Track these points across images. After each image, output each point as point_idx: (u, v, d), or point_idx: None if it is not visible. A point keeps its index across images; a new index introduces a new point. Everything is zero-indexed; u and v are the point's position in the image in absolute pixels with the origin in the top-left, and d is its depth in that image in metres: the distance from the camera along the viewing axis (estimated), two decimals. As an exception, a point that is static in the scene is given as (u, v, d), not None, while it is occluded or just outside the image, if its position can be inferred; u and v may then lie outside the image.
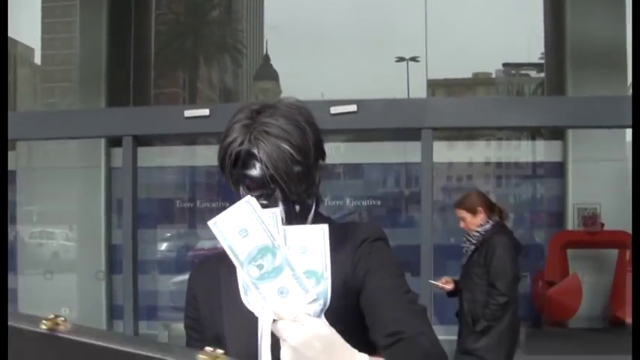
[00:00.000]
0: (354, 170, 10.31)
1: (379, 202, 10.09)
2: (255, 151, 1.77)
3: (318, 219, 1.87)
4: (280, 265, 1.31)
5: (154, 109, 8.76)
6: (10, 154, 9.50)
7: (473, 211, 5.36)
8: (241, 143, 1.79)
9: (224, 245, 1.43)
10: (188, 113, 6.86)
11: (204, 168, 10.01)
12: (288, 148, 1.77)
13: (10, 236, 10.47)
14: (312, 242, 1.54)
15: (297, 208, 1.81)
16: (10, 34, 11.50)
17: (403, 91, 12.38)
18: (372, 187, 10.18)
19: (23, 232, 10.32)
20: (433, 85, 13.71)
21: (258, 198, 1.70)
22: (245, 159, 1.79)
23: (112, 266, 9.81)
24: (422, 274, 6.75)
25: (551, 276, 9.23)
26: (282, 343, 1.29)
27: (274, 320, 1.31)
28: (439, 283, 5.66)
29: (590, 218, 9.21)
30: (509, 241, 5.28)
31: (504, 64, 14.19)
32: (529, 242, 10.06)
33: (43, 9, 12.09)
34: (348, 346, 1.38)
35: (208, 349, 1.35)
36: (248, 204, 1.48)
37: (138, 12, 10.43)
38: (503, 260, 5.16)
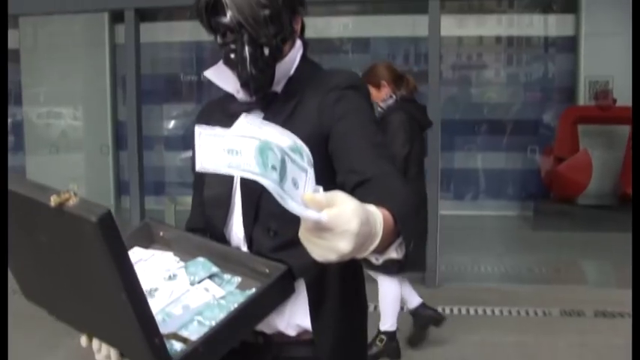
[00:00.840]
0: (362, 44, 10.15)
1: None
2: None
3: (306, 64, 1.93)
4: (281, 157, 1.22)
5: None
6: (13, 33, 9.40)
7: (377, 85, 4.80)
8: None
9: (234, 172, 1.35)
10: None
11: (210, 43, 9.85)
12: None
13: (18, 117, 10.46)
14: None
15: (267, 51, 1.82)
16: None
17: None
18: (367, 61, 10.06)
19: (31, 113, 10.27)
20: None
21: (231, 44, 1.82)
22: (214, 6, 1.82)
23: (119, 143, 9.80)
24: (429, 148, 6.73)
25: (560, 152, 9.16)
26: (334, 237, 1.17)
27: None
28: None
29: (602, 93, 9.06)
30: (405, 118, 4.78)
31: None
32: (539, 118, 9.97)
33: None
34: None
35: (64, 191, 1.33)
36: (204, 135, 1.38)
37: None
38: (393, 139, 4.69)
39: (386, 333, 4.73)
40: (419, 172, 4.77)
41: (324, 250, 1.18)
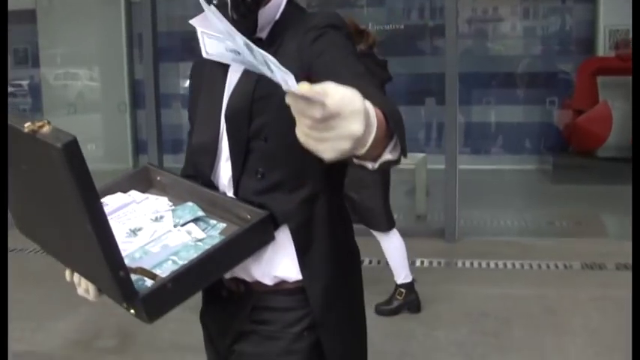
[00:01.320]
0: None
1: (402, 28, 9.89)
2: None
3: (292, 9, 1.90)
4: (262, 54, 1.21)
5: None
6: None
7: None
8: None
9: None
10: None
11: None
12: None
13: (35, 78, 10.48)
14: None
15: None
16: None
17: None
18: (396, 16, 9.94)
19: (48, 74, 10.27)
20: None
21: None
22: None
23: (136, 101, 9.80)
24: (447, 103, 6.70)
25: (580, 104, 9.08)
26: (342, 121, 1.10)
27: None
28: None
29: (623, 42, 8.94)
30: None
31: None
32: (558, 70, 9.87)
33: None
34: None
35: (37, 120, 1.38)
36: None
37: None
38: None
39: (403, 285, 4.76)
40: None
41: (336, 140, 1.10)
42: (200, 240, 1.75)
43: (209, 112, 1.93)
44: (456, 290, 5.13)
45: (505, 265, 5.70)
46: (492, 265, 5.71)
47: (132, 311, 1.56)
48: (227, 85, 1.89)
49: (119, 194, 1.94)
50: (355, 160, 1.31)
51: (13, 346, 4.42)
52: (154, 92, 6.88)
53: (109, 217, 1.74)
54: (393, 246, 4.72)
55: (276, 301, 1.85)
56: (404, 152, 1.37)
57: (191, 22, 1.91)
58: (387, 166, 1.37)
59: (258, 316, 1.86)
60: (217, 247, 1.69)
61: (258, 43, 1.77)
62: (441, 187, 6.55)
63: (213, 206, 1.84)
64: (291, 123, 1.46)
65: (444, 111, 6.82)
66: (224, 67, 1.89)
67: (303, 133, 1.11)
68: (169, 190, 1.98)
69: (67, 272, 1.77)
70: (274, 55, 1.61)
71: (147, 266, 1.66)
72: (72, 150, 1.29)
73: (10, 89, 10.84)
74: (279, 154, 1.80)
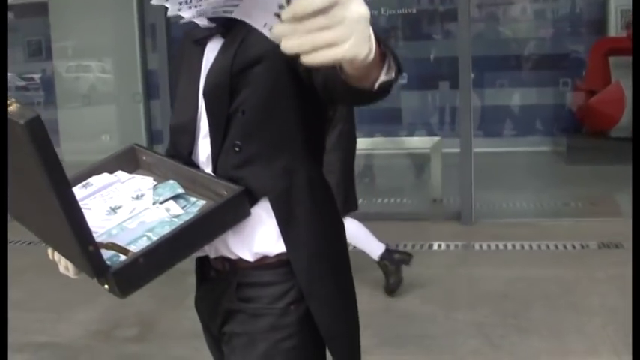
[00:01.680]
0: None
1: (414, 12, 9.87)
2: None
3: None
4: None
5: None
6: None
7: None
8: None
9: None
10: None
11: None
12: None
13: (48, 71, 10.52)
14: None
15: None
16: None
17: None
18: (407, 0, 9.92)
19: (60, 66, 10.30)
20: None
21: None
22: None
23: (150, 92, 9.82)
24: (461, 86, 6.71)
25: (592, 85, 9.06)
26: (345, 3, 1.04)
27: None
28: None
29: (635, 22, 8.91)
30: None
31: None
32: (569, 52, 9.85)
33: None
34: None
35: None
36: None
37: None
38: None
39: (382, 257, 4.76)
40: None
41: (349, 24, 1.01)
42: (177, 216, 1.78)
43: (187, 92, 1.96)
44: (474, 272, 5.16)
45: (522, 246, 5.72)
46: (509, 246, 5.74)
47: (106, 286, 1.60)
48: (204, 64, 1.90)
49: (105, 174, 1.97)
50: (356, 84, 1.33)
51: (35, 337, 4.48)
52: (168, 82, 6.92)
53: (92, 197, 1.85)
54: (353, 229, 4.58)
55: (259, 275, 1.86)
56: (400, 69, 1.36)
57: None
58: (387, 87, 1.36)
59: (243, 294, 1.88)
60: (189, 222, 1.71)
61: (234, 22, 1.64)
62: (455, 170, 6.57)
63: (193, 184, 1.87)
64: (269, 93, 1.72)
65: (457, 95, 6.84)
66: (201, 47, 1.91)
67: (312, 42, 1.01)
68: (155, 169, 2.01)
69: (49, 250, 1.82)
70: (247, 32, 1.74)
71: (122, 242, 1.70)
72: (35, 126, 1.34)
73: (21, 83, 10.90)
74: (257, 126, 1.83)
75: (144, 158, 2.07)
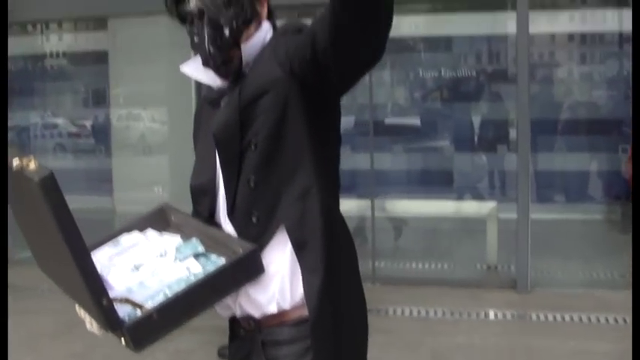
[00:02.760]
0: (435, 43, 10.04)
1: (462, 75, 9.86)
2: None
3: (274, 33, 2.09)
4: None
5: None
6: (101, 34, 9.60)
7: None
8: None
9: None
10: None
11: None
12: None
13: (100, 119, 10.65)
14: None
15: (227, 32, 1.97)
16: None
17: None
18: (464, 60, 9.91)
19: (117, 114, 10.42)
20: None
21: (195, 29, 2.00)
22: None
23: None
24: (519, 150, 6.67)
25: (645, 152, 8.93)
26: None
27: None
28: None
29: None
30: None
31: None
32: (624, 117, 9.73)
33: None
34: None
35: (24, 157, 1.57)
36: None
37: None
38: None
39: None
40: None
41: None
42: (195, 274, 1.84)
43: (205, 154, 2.11)
44: (530, 344, 5.05)
45: (580, 318, 5.61)
46: (567, 318, 5.63)
47: (122, 340, 1.68)
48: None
49: (135, 232, 2.06)
50: None
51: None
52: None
53: (120, 254, 1.94)
54: None
55: (281, 333, 1.96)
56: None
57: (181, 67, 2.18)
58: None
59: (269, 353, 1.99)
60: (203, 280, 1.79)
61: (238, 76, 2.04)
62: (510, 236, 6.49)
63: (215, 242, 1.95)
64: (278, 122, 1.90)
65: (513, 158, 6.79)
66: (217, 108, 2.06)
67: None
68: (182, 228, 2.10)
69: (77, 307, 1.92)
70: (250, 72, 2.00)
71: (141, 298, 1.75)
72: (49, 184, 1.44)
73: (73, 129, 11.04)
74: (269, 156, 1.93)
75: (172, 218, 2.17)
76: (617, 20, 9.72)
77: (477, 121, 9.70)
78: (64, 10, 8.48)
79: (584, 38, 9.97)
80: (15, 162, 1.50)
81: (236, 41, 2.00)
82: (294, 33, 1.97)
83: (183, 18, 2.04)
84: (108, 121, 10.43)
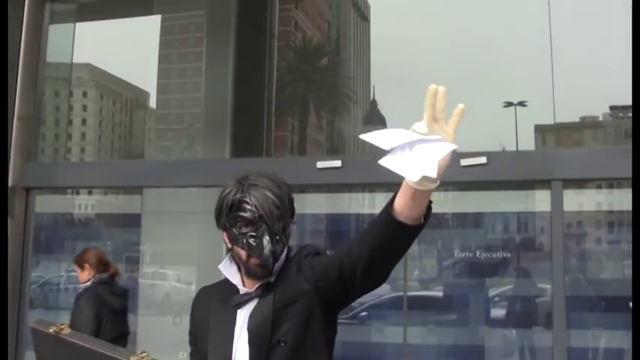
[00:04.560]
0: (463, 219, 10.17)
1: (492, 254, 9.92)
2: (247, 198, 2.47)
3: (289, 260, 2.61)
4: None
5: (286, 160, 8.93)
6: (137, 199, 9.81)
7: (81, 267, 5.72)
8: (235, 193, 2.50)
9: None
10: (321, 164, 7.02)
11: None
12: (271, 195, 2.47)
13: (126, 276, 10.70)
14: None
15: (277, 238, 2.48)
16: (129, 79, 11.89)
17: (511, 137, 12.23)
18: (481, 237, 10.00)
19: (146, 275, 10.50)
20: (541, 131, 13.51)
21: (248, 233, 2.47)
22: (239, 204, 2.48)
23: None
24: (555, 327, 6.67)
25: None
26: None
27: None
28: None
29: None
30: (92, 298, 5.55)
31: (611, 107, 13.92)
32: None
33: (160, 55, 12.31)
34: None
35: (138, 352, 1.99)
36: None
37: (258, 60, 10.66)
38: (80, 315, 5.41)
39: None
40: None
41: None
42: None
43: (219, 354, 2.47)
44: None
45: None
46: None
47: None
48: (239, 322, 2.49)
49: None
50: (409, 215, 2.14)
51: None
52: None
53: None
54: None
55: None
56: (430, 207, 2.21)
57: (219, 267, 2.66)
58: (428, 217, 2.20)
59: None
60: None
61: (268, 286, 2.53)
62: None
63: None
64: (306, 324, 2.40)
65: (549, 335, 6.79)
66: (236, 308, 2.52)
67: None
68: None
69: None
70: (282, 290, 2.49)
71: None
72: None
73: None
74: (294, 353, 2.35)
75: None
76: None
77: (507, 295, 9.72)
78: (102, 180, 8.69)
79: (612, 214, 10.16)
80: (52, 329, 1.73)
81: (283, 250, 2.52)
82: (314, 256, 2.51)
83: (231, 222, 2.50)
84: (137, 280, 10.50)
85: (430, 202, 2.19)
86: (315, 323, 2.43)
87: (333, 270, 2.36)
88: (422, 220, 2.16)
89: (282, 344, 2.35)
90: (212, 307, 2.60)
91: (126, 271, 10.64)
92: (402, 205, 2.14)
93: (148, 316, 10.25)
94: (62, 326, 1.77)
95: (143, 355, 1.68)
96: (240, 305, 2.51)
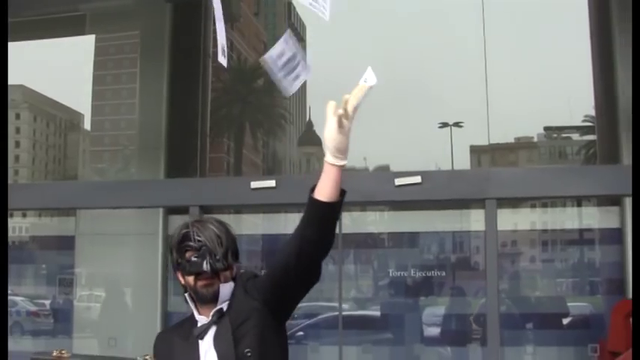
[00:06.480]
0: (399, 239, 10.22)
1: (427, 273, 9.96)
2: (191, 230, 2.80)
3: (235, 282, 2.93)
4: None
5: (221, 181, 8.90)
6: (70, 220, 9.65)
7: None
8: (182, 229, 2.84)
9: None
10: (255, 184, 6.97)
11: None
12: (213, 228, 2.83)
13: (60, 299, 10.50)
14: None
15: (217, 257, 2.78)
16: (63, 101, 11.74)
17: (446, 157, 12.34)
18: (416, 256, 10.05)
19: (80, 298, 10.32)
20: (476, 151, 13.67)
21: (192, 256, 2.79)
22: (184, 236, 2.82)
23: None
24: (489, 344, 6.71)
25: (615, 346, 9.01)
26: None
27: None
28: None
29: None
30: None
31: (545, 128, 14.16)
32: (592, 311, 9.86)
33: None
34: None
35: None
36: None
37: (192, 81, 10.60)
38: None
39: None
40: None
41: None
42: None
43: None
44: None
45: None
46: None
47: None
48: (201, 352, 2.75)
49: None
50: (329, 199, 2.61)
51: None
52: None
53: None
54: None
55: None
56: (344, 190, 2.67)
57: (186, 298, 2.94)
58: (343, 197, 2.65)
59: None
60: None
61: (222, 314, 2.81)
62: None
63: None
64: (263, 335, 2.76)
65: (482, 353, 6.83)
66: (197, 339, 2.79)
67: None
68: None
69: None
70: (232, 306, 2.82)
71: None
72: None
73: (33, 308, 10.85)
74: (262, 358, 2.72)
75: None
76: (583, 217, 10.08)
77: (442, 314, 9.76)
78: (35, 201, 8.51)
79: (543, 232, 10.30)
80: (54, 355, 1.83)
81: (225, 269, 2.81)
82: (254, 277, 2.88)
83: (181, 252, 2.81)
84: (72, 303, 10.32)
85: (343, 191, 2.66)
86: (270, 333, 2.79)
87: (278, 269, 2.75)
88: (338, 198, 2.62)
89: (248, 354, 2.69)
90: (174, 344, 2.87)
91: (60, 294, 10.47)
92: (319, 187, 2.61)
93: (82, 338, 10.07)
94: (62, 351, 1.78)
95: (64, 351, 1.69)
96: (201, 335, 2.79)
